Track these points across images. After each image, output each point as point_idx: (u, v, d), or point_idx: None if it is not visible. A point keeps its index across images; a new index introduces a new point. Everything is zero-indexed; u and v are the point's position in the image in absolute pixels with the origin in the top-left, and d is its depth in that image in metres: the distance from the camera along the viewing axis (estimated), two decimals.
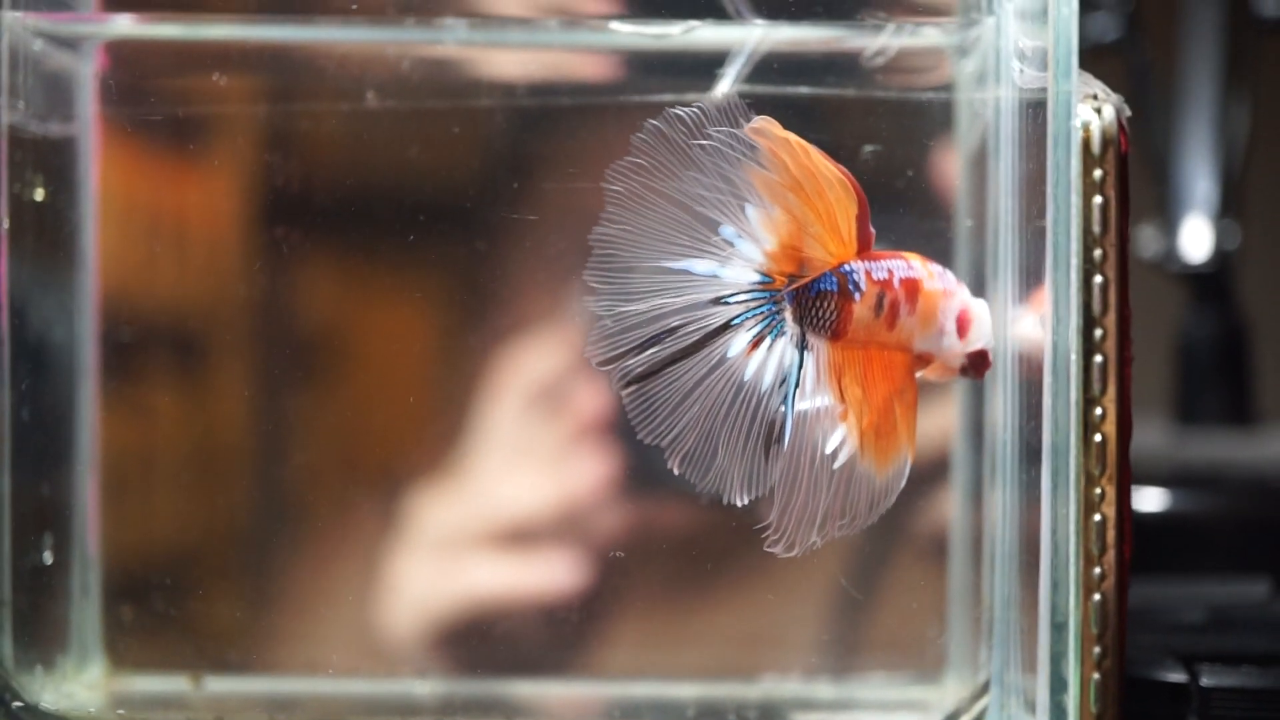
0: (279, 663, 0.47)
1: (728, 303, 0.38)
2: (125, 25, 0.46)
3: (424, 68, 0.46)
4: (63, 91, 0.46)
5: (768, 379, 0.38)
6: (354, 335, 0.48)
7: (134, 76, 0.47)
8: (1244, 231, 0.76)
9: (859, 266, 0.38)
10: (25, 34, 0.45)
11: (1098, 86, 0.37)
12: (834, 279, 0.38)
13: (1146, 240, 0.76)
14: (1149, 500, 0.65)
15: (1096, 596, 0.36)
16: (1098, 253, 0.36)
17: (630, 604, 0.48)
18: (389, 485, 0.48)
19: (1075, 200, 0.36)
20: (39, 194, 0.46)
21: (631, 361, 0.38)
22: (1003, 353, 0.42)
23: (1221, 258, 0.75)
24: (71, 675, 0.47)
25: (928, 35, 0.45)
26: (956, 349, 0.39)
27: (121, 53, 0.47)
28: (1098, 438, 0.36)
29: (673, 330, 0.38)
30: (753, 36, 0.44)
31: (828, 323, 0.38)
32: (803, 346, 0.38)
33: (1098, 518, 0.36)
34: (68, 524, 0.47)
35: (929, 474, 0.47)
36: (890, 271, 0.38)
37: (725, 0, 0.44)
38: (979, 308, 0.39)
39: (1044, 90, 0.38)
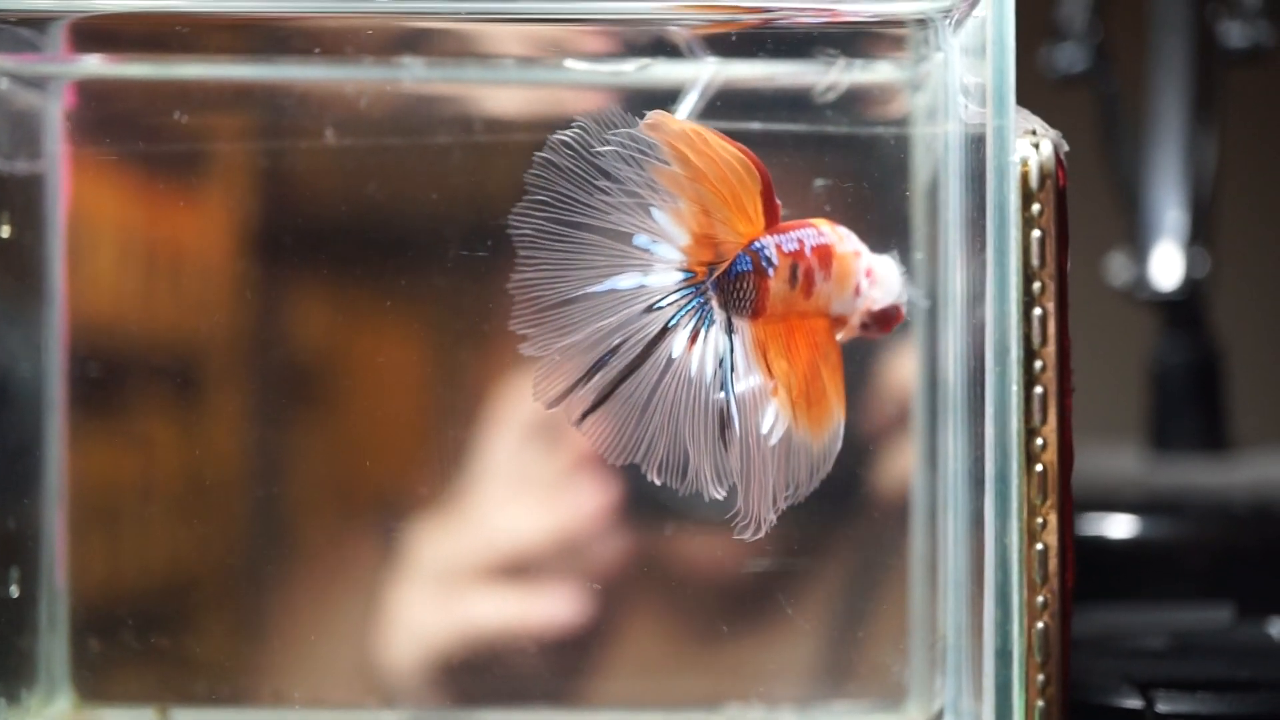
0: (248, 695, 0.48)
1: (660, 307, 0.38)
2: (93, 65, 0.47)
3: (383, 104, 0.47)
4: (30, 129, 0.47)
5: (709, 369, 0.38)
6: (333, 368, 0.49)
7: (101, 114, 0.47)
8: (1214, 258, 0.77)
9: (769, 242, 0.39)
10: None
11: (1036, 122, 0.38)
12: (747, 259, 0.38)
13: (1117, 268, 0.77)
14: (1122, 527, 0.65)
15: (1040, 624, 0.37)
16: (1036, 285, 0.37)
17: (611, 634, 0.48)
18: (387, 518, 0.48)
19: (1014, 234, 0.37)
20: (5, 231, 0.47)
21: (582, 391, 0.38)
22: (953, 382, 0.43)
23: (1192, 285, 0.75)
24: (38, 709, 0.47)
25: (880, 70, 0.46)
26: (871, 307, 0.40)
27: (89, 90, 0.47)
28: (1039, 467, 0.37)
29: (615, 349, 0.38)
30: (706, 73, 0.44)
31: (747, 302, 0.38)
32: (730, 330, 0.38)
33: (1040, 546, 0.37)
34: (35, 557, 0.47)
35: (891, 504, 0.47)
36: (800, 241, 0.39)
37: (678, 39, 0.44)
38: (886, 264, 0.40)
39: (984, 125, 0.38)
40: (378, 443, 0.49)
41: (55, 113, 0.47)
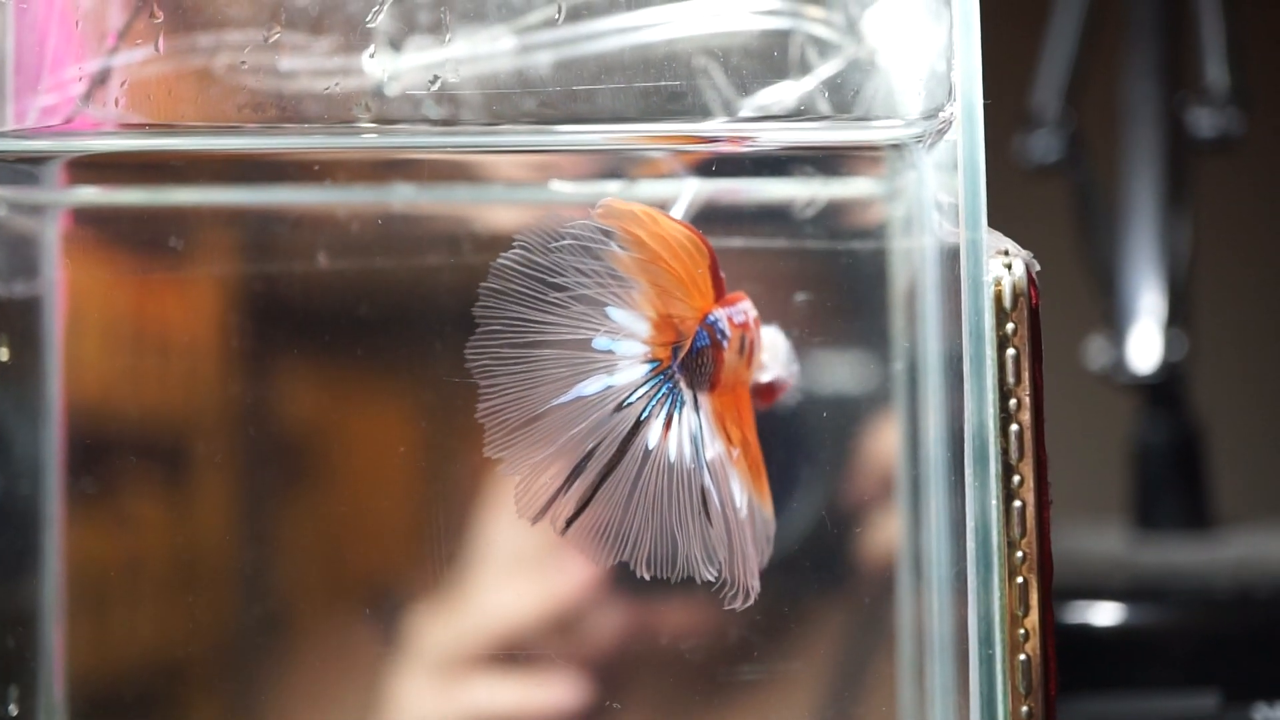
0: None
1: (630, 403, 0.38)
2: (90, 193, 0.48)
3: (379, 226, 0.48)
4: (27, 253, 0.48)
5: (687, 452, 0.39)
6: (330, 470, 0.49)
7: (99, 238, 0.48)
8: (1191, 340, 0.78)
9: (721, 314, 0.39)
10: None
11: (1008, 243, 0.39)
12: (705, 333, 0.39)
13: (1096, 352, 0.78)
14: (1107, 614, 0.66)
15: None
16: (1013, 402, 0.38)
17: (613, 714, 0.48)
18: (384, 607, 0.48)
19: (989, 352, 0.38)
20: (3, 354, 0.47)
21: (561, 501, 0.38)
22: (934, 489, 0.44)
23: (1170, 367, 0.77)
24: None
25: (858, 185, 0.47)
26: (779, 375, 0.41)
27: (86, 215, 0.48)
28: (1019, 580, 0.38)
29: (590, 454, 0.38)
30: (688, 191, 0.46)
31: (707, 376, 0.39)
32: (696, 406, 0.39)
33: (1023, 657, 0.38)
34: (33, 674, 0.48)
35: (879, 608, 0.48)
36: (745, 313, 0.40)
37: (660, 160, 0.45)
38: (776, 335, 0.42)
39: (957, 241, 0.40)
40: (386, 533, 0.49)
41: (52, 237, 0.48)
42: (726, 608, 0.39)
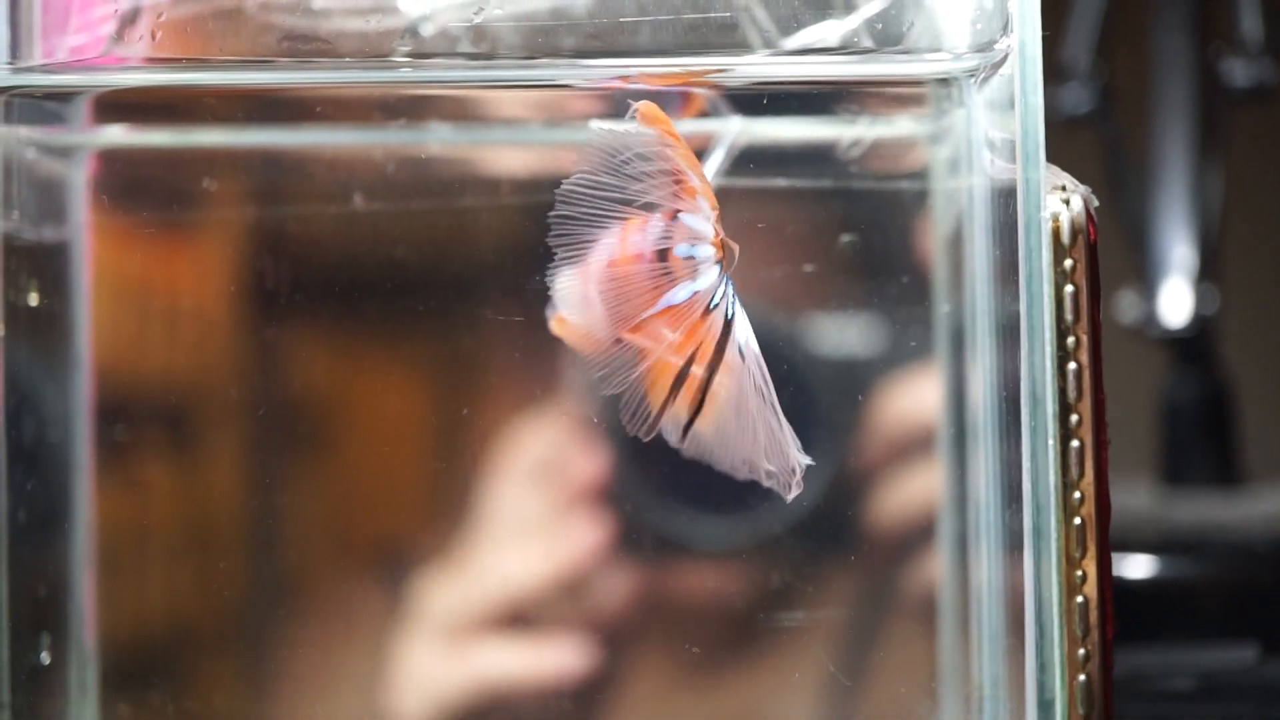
0: None
1: (716, 304, 0.38)
2: (117, 134, 0.47)
3: (411, 167, 0.47)
4: (55, 197, 0.47)
5: (755, 346, 0.38)
6: (350, 430, 0.49)
7: (127, 181, 0.48)
8: (1223, 294, 0.77)
9: None
10: (18, 145, 0.46)
11: (1066, 178, 0.38)
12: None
13: (1127, 306, 0.77)
14: (1141, 567, 0.65)
15: (1082, 677, 0.37)
16: (1071, 340, 0.37)
17: (622, 679, 0.48)
18: (392, 570, 0.48)
19: (1047, 289, 0.37)
20: (33, 299, 0.47)
21: (671, 410, 0.38)
22: (983, 429, 0.43)
23: (1201, 321, 0.76)
24: None
25: (902, 124, 0.46)
26: None
27: (114, 158, 0.48)
28: (1077, 520, 0.37)
29: (690, 360, 0.38)
30: (731, 131, 0.45)
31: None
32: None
33: (1080, 600, 0.37)
34: (65, 623, 0.47)
35: (918, 547, 0.47)
36: None
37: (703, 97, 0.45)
38: None
39: (1014, 179, 0.39)
40: (403, 495, 0.49)
41: (80, 180, 0.47)
42: (789, 499, 0.38)
